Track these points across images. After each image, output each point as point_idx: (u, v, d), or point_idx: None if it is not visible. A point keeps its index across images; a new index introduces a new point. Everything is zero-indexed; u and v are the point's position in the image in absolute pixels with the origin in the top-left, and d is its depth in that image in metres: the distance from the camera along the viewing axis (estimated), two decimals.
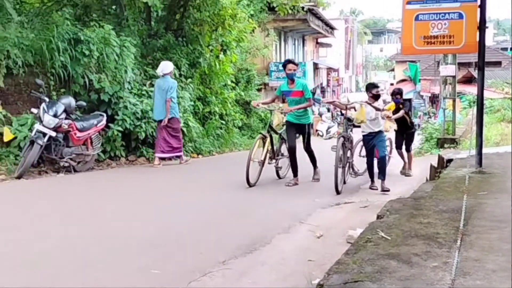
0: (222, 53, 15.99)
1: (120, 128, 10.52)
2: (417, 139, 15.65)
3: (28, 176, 8.38)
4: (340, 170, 8.18)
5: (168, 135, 10.70)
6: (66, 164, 9.05)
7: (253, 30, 18.83)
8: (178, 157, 11.03)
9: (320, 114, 31.62)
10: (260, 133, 9.06)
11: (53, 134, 8.68)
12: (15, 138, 8.81)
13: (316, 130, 28.93)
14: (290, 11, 18.72)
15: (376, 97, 8.91)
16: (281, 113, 8.81)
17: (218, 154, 14.27)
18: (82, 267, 4.23)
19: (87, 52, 10.10)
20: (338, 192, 7.85)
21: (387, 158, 8.96)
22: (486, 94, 14.84)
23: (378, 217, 4.42)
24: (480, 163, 6.48)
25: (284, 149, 9.20)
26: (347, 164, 8.90)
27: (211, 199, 7.38)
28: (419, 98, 41.49)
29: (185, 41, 14.54)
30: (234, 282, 3.98)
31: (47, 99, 8.85)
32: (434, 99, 36.52)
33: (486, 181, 5.72)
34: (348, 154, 8.93)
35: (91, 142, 9.58)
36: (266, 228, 5.68)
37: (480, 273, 2.85)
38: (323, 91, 43.69)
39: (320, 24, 34.30)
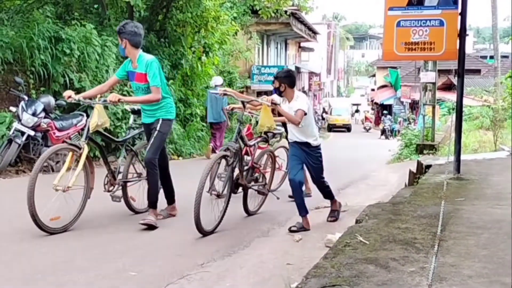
0: (204, 55, 15.98)
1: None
2: (397, 145, 15.81)
3: (5, 175, 8.26)
4: (212, 201, 5.70)
5: (220, 134, 13.40)
6: (45, 164, 8.92)
7: (235, 33, 18.85)
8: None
9: None
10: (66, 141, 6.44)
11: (32, 133, 8.57)
12: None
13: None
14: (273, 15, 18.78)
15: (284, 88, 5.96)
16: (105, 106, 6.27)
17: (198, 156, 14.21)
18: (58, 268, 4.18)
19: (68, 51, 10.01)
20: (202, 233, 5.33)
21: (300, 185, 5.88)
22: (465, 101, 15.06)
23: (357, 221, 4.44)
24: (458, 169, 6.55)
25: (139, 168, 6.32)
26: (243, 192, 6.28)
27: (189, 202, 7.33)
28: (399, 104, 41.92)
29: (167, 42, 14.50)
30: (212, 285, 3.96)
31: (26, 98, 8.75)
32: (414, 105, 36.90)
33: (464, 187, 5.78)
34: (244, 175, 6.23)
35: None
36: (245, 232, 5.68)
37: (456, 278, 2.87)
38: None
39: (302, 28, 34.45)
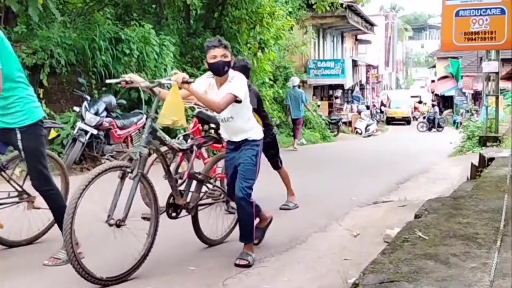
0: (260, 51, 16.02)
1: (160, 126, 10.67)
2: (459, 137, 15.36)
3: (70, 173, 8.58)
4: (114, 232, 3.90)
5: (297, 128, 15.44)
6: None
7: (291, 28, 18.80)
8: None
9: (359, 112, 31.37)
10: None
11: (95, 132, 8.87)
12: (58, 135, 9.04)
13: (355, 128, 28.71)
14: (328, 8, 18.61)
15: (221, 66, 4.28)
16: None
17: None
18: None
19: (127, 51, 10.29)
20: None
21: (251, 203, 4.39)
22: None
23: (416, 216, 4.36)
24: None
25: None
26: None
27: None
28: (461, 95, 40.61)
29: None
30: (269, 280, 4.00)
31: (88, 98, 9.05)
32: (476, 96, 35.71)
33: None
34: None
35: (131, 140, 9.75)
36: (303, 227, 5.69)
37: None
38: (362, 89, 43.26)
39: (359, 21, 33.96)
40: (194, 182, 4.69)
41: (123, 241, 3.91)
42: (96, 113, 8.90)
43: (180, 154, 5.31)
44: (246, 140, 4.42)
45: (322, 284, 3.90)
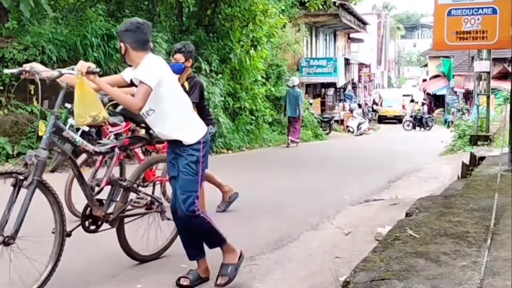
0: (252, 48, 16.02)
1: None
2: (450, 136, 15.42)
3: (61, 170, 8.55)
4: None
5: (295, 126, 15.80)
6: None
7: (284, 26, 18.80)
8: (295, 141, 15.77)
9: (351, 110, 31.44)
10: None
11: (86, 128, 8.81)
12: None
13: (347, 127, 28.77)
14: (321, 7, 18.62)
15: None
16: None
17: (247, 150, 14.31)
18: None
19: (118, 47, 10.24)
20: None
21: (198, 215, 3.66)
22: None
23: (407, 214, 4.38)
24: None
25: None
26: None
27: (241, 194, 7.38)
28: (453, 94, 40.76)
29: (216, 37, 14.62)
30: (261, 279, 4.00)
31: None
32: (468, 95, 35.86)
33: None
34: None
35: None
36: (294, 225, 5.70)
37: (510, 273, 2.80)
38: (354, 87, 43.34)
39: (352, 19, 34.00)
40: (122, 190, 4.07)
41: (15, 264, 3.29)
42: None
43: (100, 157, 4.65)
44: (181, 144, 3.66)
45: (313, 282, 3.91)
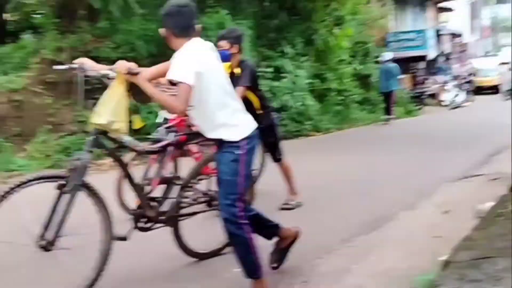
0: (336, 27, 15.76)
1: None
2: None
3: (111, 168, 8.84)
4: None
5: (389, 103, 15.76)
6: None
7: (368, 1, 18.32)
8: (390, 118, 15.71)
9: (444, 83, 30.19)
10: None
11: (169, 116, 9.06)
12: (145, 126, 9.35)
13: (441, 101, 27.69)
14: None
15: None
16: None
17: (337, 131, 14.14)
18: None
19: (205, 39, 10.44)
20: None
21: (241, 226, 3.23)
22: None
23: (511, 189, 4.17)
24: None
25: None
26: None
27: (333, 176, 7.35)
28: None
29: (299, 19, 14.51)
30: (359, 260, 3.97)
31: None
32: None
33: None
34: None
35: None
36: (390, 205, 5.59)
37: None
38: (446, 59, 41.55)
39: None
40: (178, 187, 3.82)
41: (61, 267, 3.26)
42: None
43: (153, 156, 4.32)
44: (221, 141, 3.30)
45: (412, 262, 3.82)
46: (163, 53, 10.10)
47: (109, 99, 3.29)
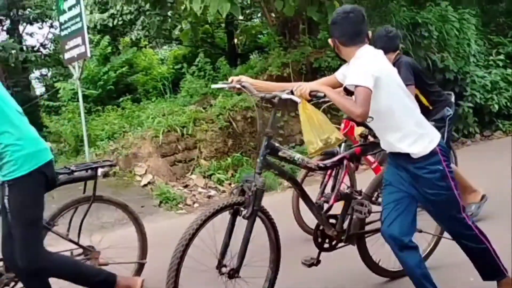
0: None
1: (470, 104, 10.24)
2: None
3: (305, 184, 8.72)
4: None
5: None
6: None
7: None
8: None
9: None
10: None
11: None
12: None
13: None
14: None
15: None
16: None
17: None
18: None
19: (426, 34, 10.09)
20: None
21: (475, 235, 3.10)
22: None
23: None
24: None
25: None
26: None
27: None
28: None
29: None
30: None
31: None
32: None
33: None
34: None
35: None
36: None
37: None
38: None
39: None
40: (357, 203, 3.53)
41: None
42: None
43: (329, 171, 4.01)
44: (409, 158, 2.98)
45: None
46: None
47: (309, 124, 3.16)
